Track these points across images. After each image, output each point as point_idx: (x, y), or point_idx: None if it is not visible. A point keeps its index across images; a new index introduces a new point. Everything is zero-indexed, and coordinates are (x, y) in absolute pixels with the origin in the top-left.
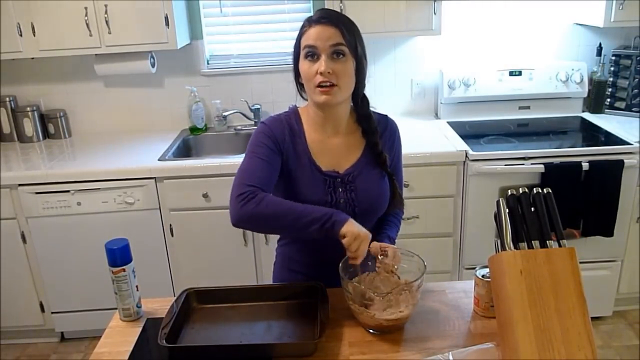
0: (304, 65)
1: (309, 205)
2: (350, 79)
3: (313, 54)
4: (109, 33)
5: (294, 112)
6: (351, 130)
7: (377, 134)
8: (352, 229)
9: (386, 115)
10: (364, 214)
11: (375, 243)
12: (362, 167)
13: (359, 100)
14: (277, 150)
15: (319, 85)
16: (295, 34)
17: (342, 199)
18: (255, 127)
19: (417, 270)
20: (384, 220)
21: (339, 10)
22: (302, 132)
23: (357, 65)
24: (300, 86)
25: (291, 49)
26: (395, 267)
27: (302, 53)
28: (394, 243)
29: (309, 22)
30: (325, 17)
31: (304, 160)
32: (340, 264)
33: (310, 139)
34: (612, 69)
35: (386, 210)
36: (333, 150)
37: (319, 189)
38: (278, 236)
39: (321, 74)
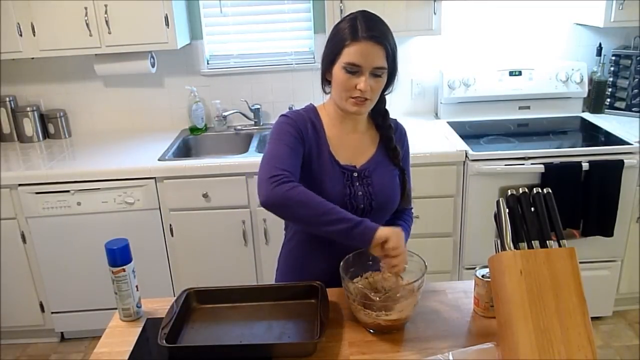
0: (341, 75)
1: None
2: (380, 91)
3: (355, 71)
4: (109, 33)
5: (312, 109)
6: (367, 127)
7: (392, 130)
8: (390, 230)
9: (396, 119)
10: (379, 209)
11: None
12: (377, 163)
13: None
14: (302, 141)
15: (353, 97)
16: (296, 34)
17: (360, 192)
18: (255, 127)
19: (418, 270)
20: (395, 223)
21: (339, 10)
22: (322, 126)
23: (389, 77)
24: (325, 82)
25: (291, 49)
26: None
27: (342, 65)
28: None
29: (353, 36)
30: (372, 33)
31: (324, 153)
32: (342, 263)
33: (329, 134)
34: (612, 69)
35: (397, 210)
36: (350, 145)
37: (338, 182)
38: (279, 237)
39: (360, 90)
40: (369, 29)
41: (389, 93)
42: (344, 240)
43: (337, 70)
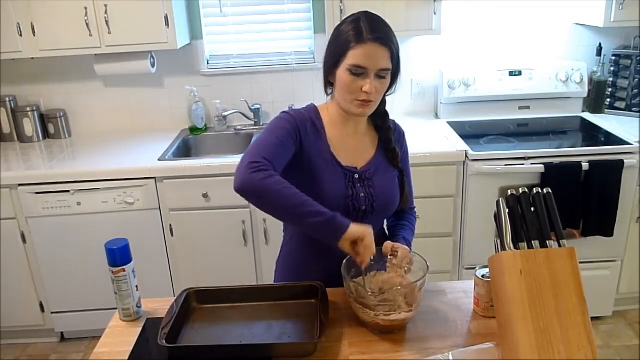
0: (346, 77)
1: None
2: (384, 92)
3: (360, 73)
4: (109, 33)
5: (313, 109)
6: (367, 129)
7: (391, 131)
8: (364, 228)
9: (394, 120)
10: (380, 210)
11: (388, 242)
12: (378, 165)
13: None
14: (296, 139)
15: (359, 99)
16: (296, 34)
17: (361, 193)
18: (255, 127)
19: (420, 270)
20: (399, 224)
21: (340, 10)
22: (323, 127)
23: (392, 77)
24: (328, 83)
25: (291, 49)
26: (405, 268)
27: (347, 67)
28: (409, 245)
29: (358, 37)
30: (377, 34)
31: (326, 154)
32: (344, 262)
33: (329, 135)
34: (612, 69)
35: (398, 211)
36: (351, 147)
37: (340, 183)
38: (278, 237)
39: (366, 92)
40: (374, 30)
41: (391, 94)
42: (313, 233)
43: (342, 73)
